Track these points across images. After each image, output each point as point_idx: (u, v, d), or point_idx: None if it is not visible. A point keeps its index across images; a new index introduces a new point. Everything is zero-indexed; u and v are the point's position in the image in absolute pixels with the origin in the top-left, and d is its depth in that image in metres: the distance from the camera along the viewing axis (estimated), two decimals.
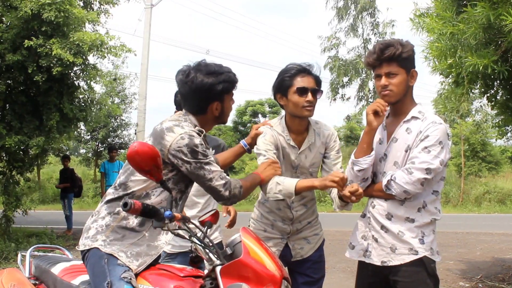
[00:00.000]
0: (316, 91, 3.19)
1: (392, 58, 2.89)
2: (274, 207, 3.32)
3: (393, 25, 29.75)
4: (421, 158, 2.82)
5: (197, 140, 2.63)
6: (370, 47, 3.69)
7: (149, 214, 2.35)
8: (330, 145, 3.35)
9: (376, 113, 2.92)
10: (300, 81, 3.17)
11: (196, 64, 2.80)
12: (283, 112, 3.37)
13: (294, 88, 3.16)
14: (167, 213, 2.40)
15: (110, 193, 2.74)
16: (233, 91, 2.87)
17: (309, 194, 3.39)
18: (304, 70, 3.21)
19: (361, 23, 30.42)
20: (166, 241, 2.75)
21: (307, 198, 3.37)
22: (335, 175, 2.87)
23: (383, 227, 2.96)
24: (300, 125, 3.29)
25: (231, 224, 4.04)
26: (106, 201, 2.73)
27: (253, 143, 3.38)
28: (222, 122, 2.95)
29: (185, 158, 2.60)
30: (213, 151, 4.08)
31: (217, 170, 2.68)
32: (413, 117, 2.96)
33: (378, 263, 2.97)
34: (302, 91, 3.14)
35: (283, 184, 2.99)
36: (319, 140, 3.32)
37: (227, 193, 2.69)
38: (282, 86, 3.21)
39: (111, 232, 2.65)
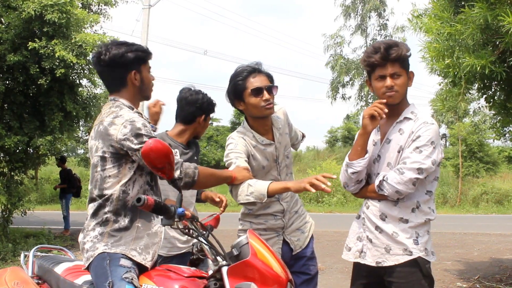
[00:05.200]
0: (270, 88, 3.19)
1: (398, 58, 2.87)
2: (262, 207, 3.28)
3: (403, 29, 29.16)
4: (413, 158, 2.82)
5: (139, 123, 2.64)
6: None
7: (160, 211, 2.37)
8: (288, 121, 3.45)
9: (372, 117, 2.90)
10: (253, 82, 3.16)
11: (106, 43, 2.85)
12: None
13: (248, 91, 3.16)
14: (180, 210, 2.41)
15: (91, 207, 2.76)
16: (150, 64, 2.90)
17: None
18: (254, 70, 3.20)
19: (366, 24, 30.14)
20: (160, 224, 2.76)
21: None
22: (314, 178, 2.80)
23: (377, 227, 2.96)
24: (265, 125, 3.29)
25: (224, 208, 3.96)
26: (91, 215, 2.75)
27: (157, 118, 3.48)
28: (145, 98, 2.95)
29: (132, 146, 2.60)
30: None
31: None
32: (405, 118, 2.95)
33: (373, 264, 2.96)
34: (257, 92, 3.14)
35: (255, 186, 2.96)
36: (280, 123, 3.37)
37: (178, 172, 2.67)
38: (236, 91, 3.20)
39: (108, 237, 2.67)
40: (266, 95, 3.14)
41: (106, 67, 2.80)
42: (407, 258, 2.87)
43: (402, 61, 2.90)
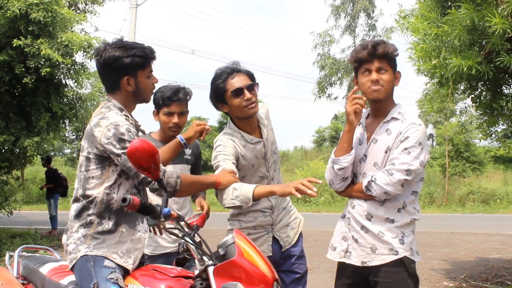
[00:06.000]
0: (251, 86, 3.16)
1: (385, 55, 2.89)
2: (250, 205, 3.25)
3: (392, 31, 29.02)
4: (401, 159, 2.82)
5: (123, 128, 2.59)
6: None
7: (146, 211, 2.35)
8: (269, 116, 3.43)
9: (355, 113, 2.91)
10: (233, 83, 3.12)
11: (107, 43, 2.81)
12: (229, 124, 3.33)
13: (229, 93, 3.12)
14: (166, 210, 2.38)
15: (74, 207, 2.73)
16: (151, 68, 2.84)
17: (277, 180, 3.38)
18: (233, 71, 3.17)
19: (354, 24, 30.04)
20: (145, 230, 2.75)
21: (275, 183, 3.35)
22: (300, 183, 2.78)
23: (363, 227, 2.96)
24: (251, 123, 3.27)
25: (206, 216, 3.96)
26: (74, 216, 2.72)
27: (193, 137, 3.36)
28: (143, 101, 2.89)
29: (115, 151, 2.57)
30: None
31: None
32: (392, 118, 2.96)
33: (358, 264, 2.97)
34: (237, 92, 3.11)
35: (240, 190, 2.92)
36: (265, 120, 3.35)
37: None
38: (218, 94, 3.17)
39: (90, 240, 2.65)
40: (247, 94, 3.11)
41: (101, 68, 2.77)
42: (393, 257, 2.88)
43: (389, 59, 2.92)
